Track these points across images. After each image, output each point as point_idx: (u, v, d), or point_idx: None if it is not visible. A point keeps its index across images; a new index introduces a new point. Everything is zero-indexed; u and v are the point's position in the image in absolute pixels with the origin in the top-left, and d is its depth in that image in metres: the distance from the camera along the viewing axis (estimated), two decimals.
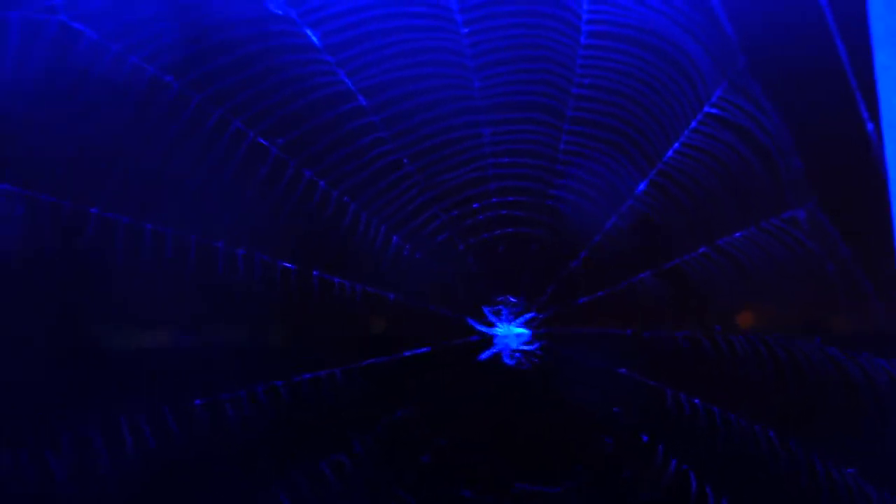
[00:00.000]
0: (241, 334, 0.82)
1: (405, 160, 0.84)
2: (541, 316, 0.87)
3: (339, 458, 0.80)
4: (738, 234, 0.87)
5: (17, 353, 0.78)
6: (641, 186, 0.87)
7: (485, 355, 0.86)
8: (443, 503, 0.81)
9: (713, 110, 0.87)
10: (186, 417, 0.78)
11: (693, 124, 0.87)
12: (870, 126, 0.86)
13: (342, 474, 0.80)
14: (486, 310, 0.87)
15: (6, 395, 0.77)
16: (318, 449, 0.80)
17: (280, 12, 0.82)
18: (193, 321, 0.81)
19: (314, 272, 0.82)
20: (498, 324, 0.86)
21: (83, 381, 0.79)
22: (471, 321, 0.86)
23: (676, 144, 0.87)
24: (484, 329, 0.86)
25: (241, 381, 0.80)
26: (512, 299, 0.87)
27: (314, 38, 0.82)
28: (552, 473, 0.82)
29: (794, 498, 0.82)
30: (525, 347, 0.86)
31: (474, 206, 0.86)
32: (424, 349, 0.84)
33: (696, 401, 0.83)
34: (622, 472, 0.83)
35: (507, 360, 0.86)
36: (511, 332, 0.86)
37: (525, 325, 0.87)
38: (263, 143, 0.82)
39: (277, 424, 0.80)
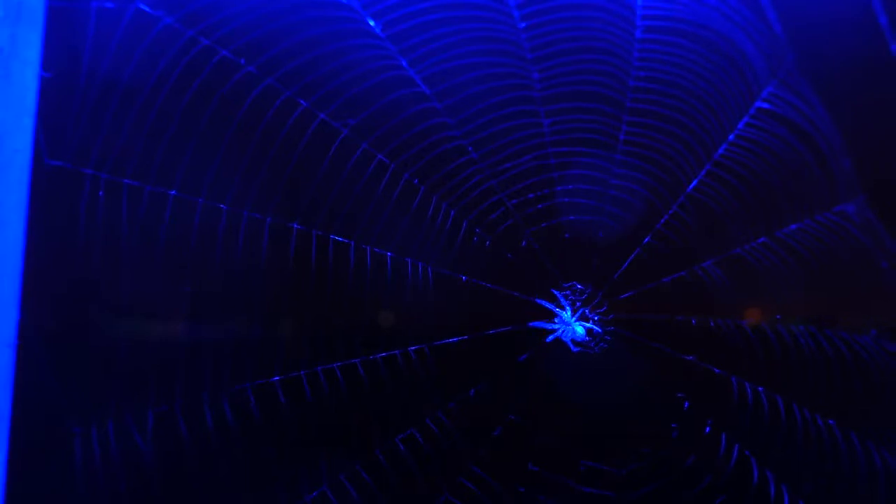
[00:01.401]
0: (319, 315, 0.82)
1: (469, 147, 0.85)
2: (606, 302, 0.87)
3: (414, 433, 0.80)
4: (794, 226, 0.87)
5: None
6: (700, 176, 0.87)
7: (549, 339, 0.86)
8: (511, 477, 0.81)
9: (765, 105, 0.88)
10: (266, 395, 0.79)
11: (746, 118, 0.88)
12: None
13: (416, 449, 0.80)
14: (555, 293, 0.87)
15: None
16: (393, 426, 0.81)
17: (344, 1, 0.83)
18: (275, 302, 0.81)
19: (388, 254, 0.83)
20: (564, 310, 0.87)
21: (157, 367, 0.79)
22: (540, 301, 0.86)
23: (731, 136, 0.88)
24: (554, 310, 0.86)
25: (321, 359, 0.80)
26: (578, 286, 0.87)
27: (377, 28, 0.83)
28: (618, 455, 0.82)
29: (852, 485, 0.82)
30: (592, 327, 0.87)
31: (539, 193, 0.87)
32: (496, 330, 0.84)
33: (761, 389, 0.84)
34: (687, 457, 0.83)
35: (571, 347, 0.86)
36: (575, 318, 0.87)
37: (590, 310, 0.87)
38: (334, 124, 0.83)
39: (355, 402, 0.80)
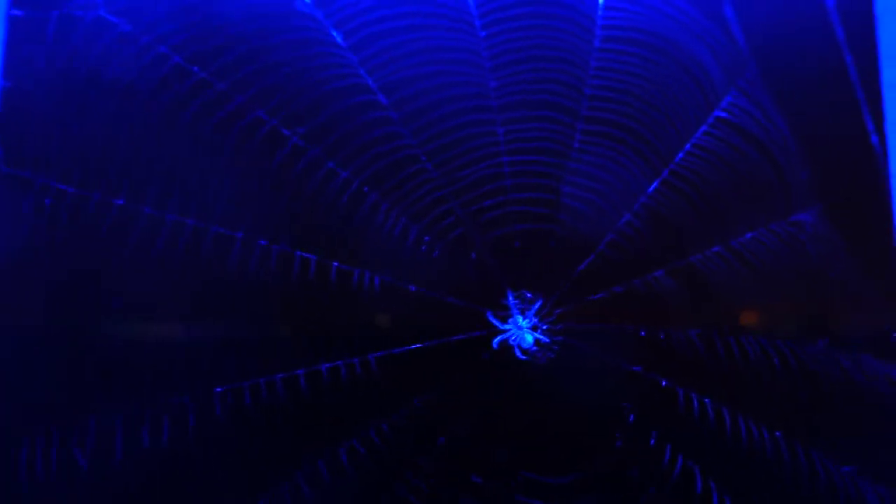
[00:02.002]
0: (260, 324, 0.82)
1: (423, 157, 0.85)
2: (556, 311, 0.88)
3: (356, 444, 0.80)
4: (749, 235, 0.88)
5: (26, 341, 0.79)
6: (654, 185, 0.88)
7: (496, 341, 0.86)
8: (453, 488, 0.81)
9: (723, 114, 0.89)
10: (206, 406, 0.79)
11: (704, 127, 0.88)
12: (874, 138, 0.88)
13: (358, 461, 0.80)
14: (504, 302, 0.88)
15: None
16: (336, 437, 0.81)
17: (306, 10, 0.83)
18: (211, 311, 0.81)
19: (334, 263, 0.83)
20: (512, 317, 0.87)
21: (100, 371, 0.79)
22: (489, 315, 0.87)
23: (688, 146, 0.88)
24: (498, 323, 0.87)
25: (261, 370, 0.80)
26: (528, 294, 0.88)
27: (338, 38, 0.83)
28: (560, 465, 0.83)
29: (796, 497, 0.83)
30: (540, 337, 0.87)
31: (491, 202, 0.87)
32: (441, 340, 0.85)
33: (707, 400, 0.84)
34: (629, 467, 0.83)
35: (518, 354, 0.86)
36: (524, 326, 0.87)
37: (539, 319, 0.87)
38: (284, 132, 0.83)
39: (297, 413, 0.80)
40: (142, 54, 0.81)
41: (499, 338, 0.86)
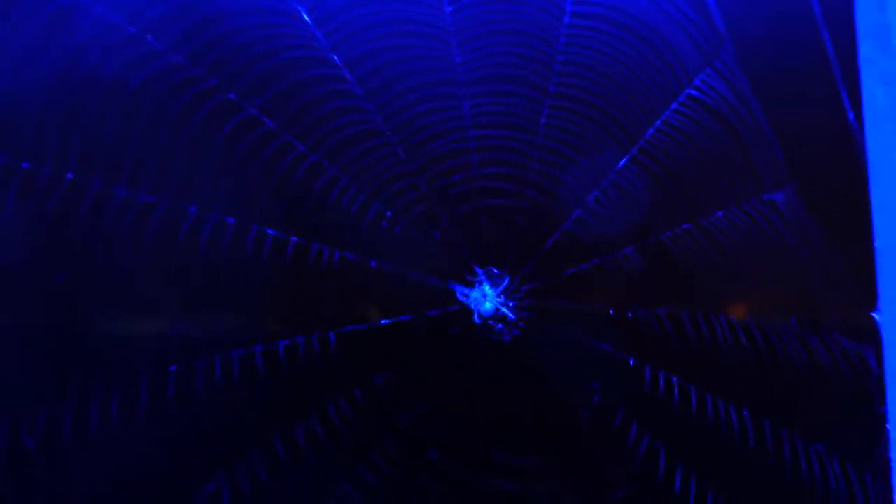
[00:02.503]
0: (215, 301, 0.80)
1: (388, 132, 0.84)
2: (524, 287, 0.87)
3: (314, 423, 0.79)
4: (719, 214, 0.87)
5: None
6: (623, 162, 0.87)
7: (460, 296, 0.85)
8: (415, 468, 0.80)
9: (694, 93, 0.88)
10: (161, 385, 0.77)
11: (674, 105, 0.88)
12: (851, 116, 0.87)
13: (316, 440, 0.79)
14: (468, 279, 0.86)
15: None
16: (294, 415, 0.79)
17: None
18: (164, 288, 0.79)
19: (291, 238, 0.81)
20: (477, 291, 0.86)
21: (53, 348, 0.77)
22: (451, 284, 0.85)
23: (658, 122, 0.87)
24: (461, 289, 0.86)
25: (217, 347, 0.78)
26: (495, 271, 0.86)
27: (303, 12, 0.82)
28: (524, 445, 0.82)
29: (764, 475, 0.83)
30: (506, 312, 0.86)
31: (456, 177, 0.85)
32: (405, 317, 0.83)
33: (675, 379, 0.84)
34: (594, 446, 0.83)
35: (476, 319, 0.85)
36: (488, 294, 0.86)
37: (507, 296, 0.86)
38: (241, 103, 0.80)
39: (254, 390, 0.79)
40: (94, 23, 0.78)
41: (460, 295, 0.85)
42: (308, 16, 0.82)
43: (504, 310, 0.86)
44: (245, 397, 0.78)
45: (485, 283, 0.86)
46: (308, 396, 0.79)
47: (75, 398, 0.76)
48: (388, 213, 0.84)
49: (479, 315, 0.85)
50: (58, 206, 0.76)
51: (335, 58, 0.83)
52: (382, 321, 0.82)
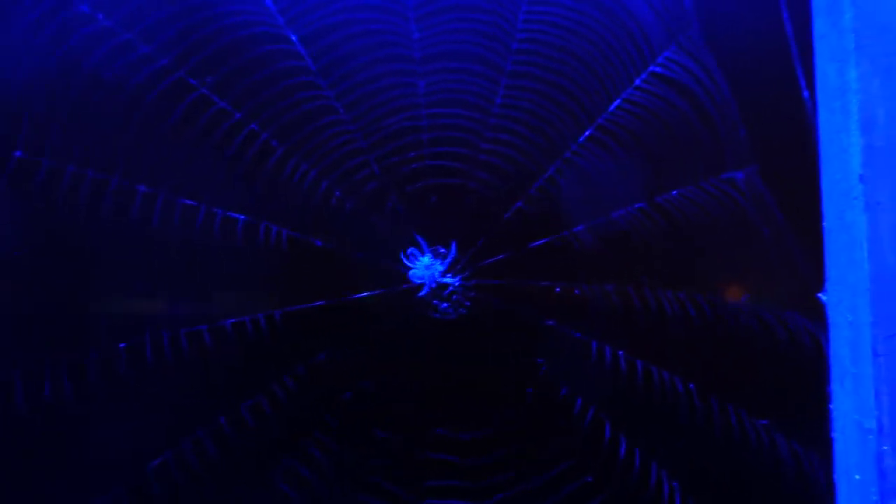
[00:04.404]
0: (162, 278, 0.82)
1: (340, 109, 0.84)
2: (471, 267, 0.88)
3: (260, 400, 0.80)
4: (675, 192, 0.87)
5: None
6: (579, 141, 0.87)
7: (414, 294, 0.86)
8: (362, 445, 0.82)
9: (657, 69, 0.87)
10: (109, 361, 0.79)
11: (637, 82, 0.87)
12: (805, 93, 0.86)
13: (262, 417, 0.81)
14: (415, 256, 0.87)
15: None
16: (239, 392, 0.81)
17: None
18: (114, 265, 0.81)
19: (239, 216, 0.82)
20: (422, 268, 0.87)
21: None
22: (398, 264, 0.86)
23: (618, 101, 0.87)
24: (410, 275, 0.87)
25: (164, 324, 0.80)
26: (441, 249, 0.87)
27: None
28: (468, 420, 0.84)
29: (709, 448, 0.84)
30: (448, 281, 0.87)
31: (408, 155, 0.86)
32: (351, 296, 0.84)
33: (621, 353, 0.85)
34: (538, 422, 0.84)
35: (413, 280, 0.86)
36: (427, 264, 0.87)
37: (453, 274, 0.87)
38: (192, 82, 0.81)
39: (200, 368, 0.80)
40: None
41: (408, 272, 0.86)
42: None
43: (448, 280, 0.87)
44: (191, 374, 0.80)
45: (432, 260, 0.87)
46: (254, 373, 0.81)
47: (24, 373, 0.77)
48: (338, 192, 0.85)
49: (427, 287, 0.86)
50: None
51: (291, 34, 0.83)
52: (328, 300, 0.83)
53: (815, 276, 0.86)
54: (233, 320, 0.81)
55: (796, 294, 0.86)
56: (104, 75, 0.79)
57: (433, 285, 0.87)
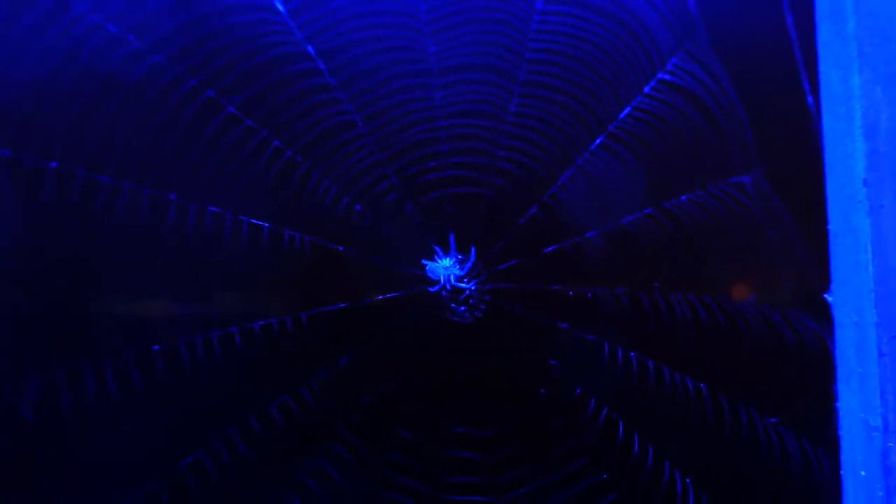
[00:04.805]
0: (197, 284, 0.85)
1: (360, 122, 0.87)
2: (487, 271, 0.90)
3: (287, 401, 0.84)
4: (684, 197, 0.89)
5: None
6: (590, 148, 0.89)
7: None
8: (381, 443, 0.85)
9: (666, 76, 0.89)
10: (145, 363, 0.82)
11: (646, 89, 0.89)
12: (810, 99, 0.88)
13: (290, 417, 0.84)
14: (434, 260, 0.91)
15: None
16: (269, 393, 0.85)
17: None
18: (147, 272, 0.84)
19: (265, 225, 0.86)
20: (442, 268, 0.90)
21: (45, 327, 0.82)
22: (417, 269, 0.90)
23: (628, 108, 0.89)
24: (428, 267, 0.90)
25: (199, 327, 0.83)
26: (462, 256, 0.90)
27: (278, 4, 0.84)
28: (487, 419, 0.87)
29: (720, 446, 0.86)
30: (464, 286, 0.90)
31: (428, 165, 0.89)
32: (372, 299, 0.88)
33: (633, 354, 0.87)
34: (552, 420, 0.87)
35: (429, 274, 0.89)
36: (446, 266, 0.90)
37: (469, 279, 0.90)
38: (220, 100, 0.84)
39: (232, 369, 0.84)
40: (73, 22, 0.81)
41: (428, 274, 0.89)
42: (283, 6, 0.84)
43: (464, 284, 0.90)
44: (223, 375, 0.83)
45: (452, 263, 0.90)
46: (282, 374, 0.85)
47: (63, 375, 0.80)
48: (359, 206, 0.88)
49: (441, 286, 0.89)
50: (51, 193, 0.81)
51: (310, 50, 0.86)
52: (349, 303, 0.87)
53: (822, 277, 0.88)
54: (261, 323, 0.84)
55: (803, 295, 0.88)
56: (139, 95, 0.83)
57: (448, 286, 0.90)
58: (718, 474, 0.87)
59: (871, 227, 0.82)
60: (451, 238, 0.91)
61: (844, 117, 0.84)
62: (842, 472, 0.84)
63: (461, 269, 0.90)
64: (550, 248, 0.90)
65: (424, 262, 0.91)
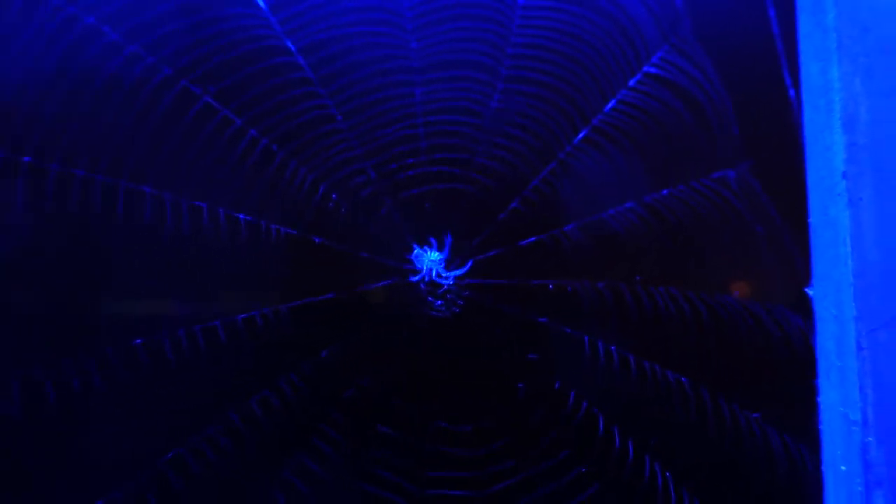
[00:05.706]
0: (174, 277, 0.85)
1: (339, 117, 0.87)
2: (465, 266, 0.90)
3: (268, 395, 0.84)
4: (665, 191, 0.89)
5: None
6: (574, 142, 0.89)
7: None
8: (359, 436, 0.85)
9: (652, 69, 0.89)
10: (126, 357, 0.82)
11: (631, 83, 0.89)
12: (791, 92, 0.88)
13: (270, 411, 0.84)
14: (424, 250, 0.91)
15: None
16: (249, 387, 0.85)
17: None
18: (125, 266, 0.84)
19: (240, 215, 0.85)
20: (427, 259, 0.90)
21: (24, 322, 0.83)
22: (397, 262, 0.89)
23: (613, 101, 0.89)
24: (414, 254, 0.90)
25: (180, 321, 0.83)
26: (447, 256, 0.91)
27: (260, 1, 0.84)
28: (467, 414, 0.86)
29: (700, 441, 0.86)
30: (441, 281, 0.90)
31: (404, 162, 0.89)
32: (350, 291, 0.88)
33: (613, 348, 0.87)
34: (531, 414, 0.87)
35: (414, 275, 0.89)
36: (431, 258, 0.90)
37: (447, 276, 0.90)
38: (195, 90, 0.84)
39: (214, 363, 0.83)
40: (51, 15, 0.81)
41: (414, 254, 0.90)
42: (263, 2, 0.84)
43: (442, 280, 0.90)
44: (207, 370, 0.83)
45: (434, 253, 0.90)
46: (262, 368, 0.84)
47: (41, 372, 0.80)
48: (334, 195, 0.88)
49: (421, 276, 0.89)
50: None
51: (290, 45, 0.85)
52: (328, 296, 0.87)
53: (804, 271, 0.88)
54: (243, 315, 0.84)
55: (786, 289, 0.88)
56: (115, 85, 0.83)
57: (426, 279, 0.90)
58: (700, 469, 0.86)
59: (850, 219, 0.82)
60: (449, 239, 0.91)
61: (824, 109, 0.84)
62: (822, 466, 0.83)
63: (445, 270, 0.90)
64: (526, 241, 0.89)
65: (415, 245, 0.91)
